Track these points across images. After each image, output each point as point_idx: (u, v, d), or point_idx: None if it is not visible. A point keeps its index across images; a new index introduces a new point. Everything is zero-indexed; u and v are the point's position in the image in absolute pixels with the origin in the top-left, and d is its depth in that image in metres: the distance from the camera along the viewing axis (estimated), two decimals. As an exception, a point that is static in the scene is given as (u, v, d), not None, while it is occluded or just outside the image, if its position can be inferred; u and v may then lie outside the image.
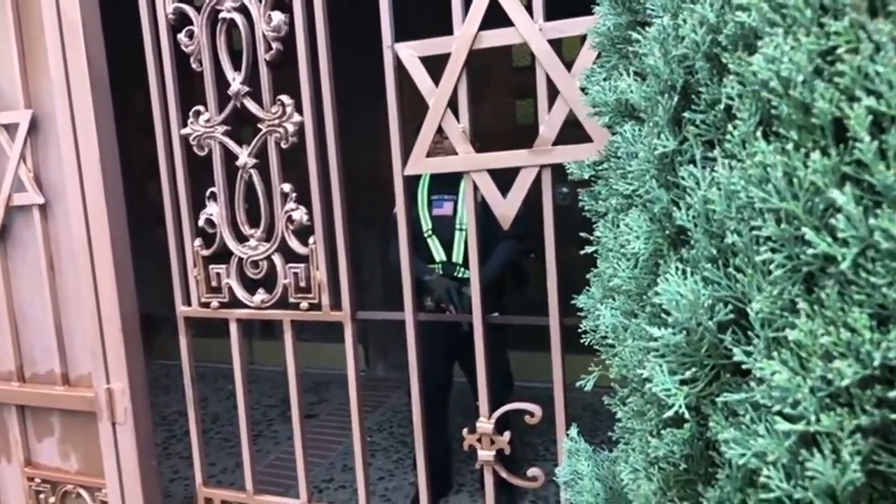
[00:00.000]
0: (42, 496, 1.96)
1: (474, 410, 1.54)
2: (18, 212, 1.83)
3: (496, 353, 2.05)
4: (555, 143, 1.36)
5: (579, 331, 0.89)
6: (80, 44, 1.65)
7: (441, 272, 2.78)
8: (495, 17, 1.36)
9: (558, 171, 1.34)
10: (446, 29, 1.39)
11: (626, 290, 0.62)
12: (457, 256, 2.77)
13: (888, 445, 0.41)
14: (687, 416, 0.50)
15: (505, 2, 1.35)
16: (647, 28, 0.60)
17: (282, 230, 1.58)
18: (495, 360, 1.67)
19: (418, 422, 1.57)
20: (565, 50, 1.39)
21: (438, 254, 2.80)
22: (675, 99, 0.55)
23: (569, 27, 1.33)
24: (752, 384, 0.44)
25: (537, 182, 1.39)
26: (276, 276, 1.62)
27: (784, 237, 0.42)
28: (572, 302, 0.96)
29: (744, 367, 0.45)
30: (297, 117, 1.53)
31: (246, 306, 1.67)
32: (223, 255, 1.68)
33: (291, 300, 1.61)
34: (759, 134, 0.45)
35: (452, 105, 1.43)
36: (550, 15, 1.34)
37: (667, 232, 0.57)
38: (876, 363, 0.39)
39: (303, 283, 1.59)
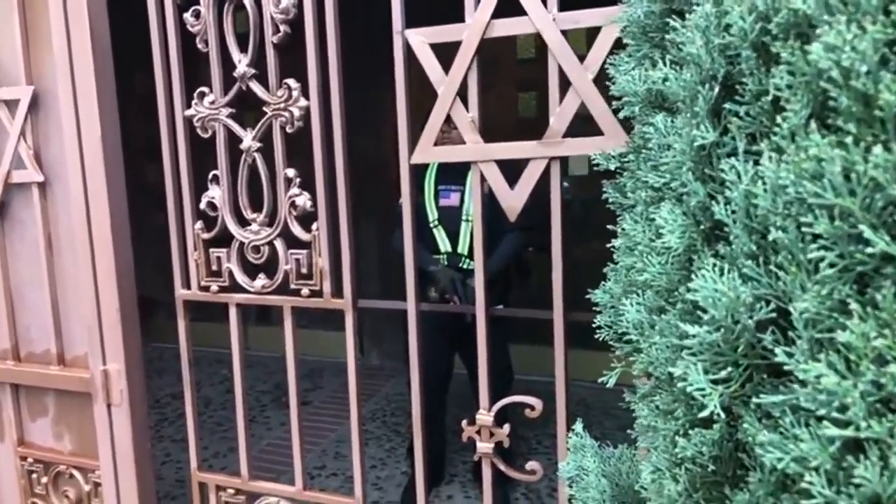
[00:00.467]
0: (35, 476, 1.94)
1: (473, 402, 1.53)
2: (18, 190, 1.81)
3: (498, 346, 2.04)
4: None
5: (581, 326, 0.88)
6: (83, 19, 1.61)
7: (446, 263, 2.76)
8: (506, 6, 1.34)
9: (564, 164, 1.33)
10: (456, 16, 1.37)
11: (655, 285, 0.60)
12: (462, 247, 2.76)
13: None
14: (718, 416, 0.48)
15: (518, -10, 1.33)
16: (683, 16, 0.58)
17: (285, 215, 1.56)
18: (497, 353, 1.65)
19: (417, 415, 1.55)
20: (570, 42, 1.36)
21: (444, 244, 2.78)
22: (717, 89, 0.53)
23: (584, 18, 1.30)
24: (794, 386, 0.43)
25: (545, 174, 1.37)
26: (277, 261, 1.60)
27: (837, 235, 0.40)
28: (585, 297, 0.94)
29: (785, 368, 0.44)
30: (303, 101, 1.50)
31: (246, 291, 1.64)
32: (224, 239, 1.66)
33: (292, 286, 1.59)
34: (813, 126, 0.43)
35: (461, 94, 1.41)
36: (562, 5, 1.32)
37: (702, 227, 0.55)
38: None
39: (304, 270, 1.57)
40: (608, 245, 0.88)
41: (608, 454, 1.03)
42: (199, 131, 1.61)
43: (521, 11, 1.33)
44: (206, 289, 1.69)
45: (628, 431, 0.83)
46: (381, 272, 4.55)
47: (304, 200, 1.55)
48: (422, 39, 1.42)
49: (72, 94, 1.66)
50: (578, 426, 1.09)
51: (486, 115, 1.43)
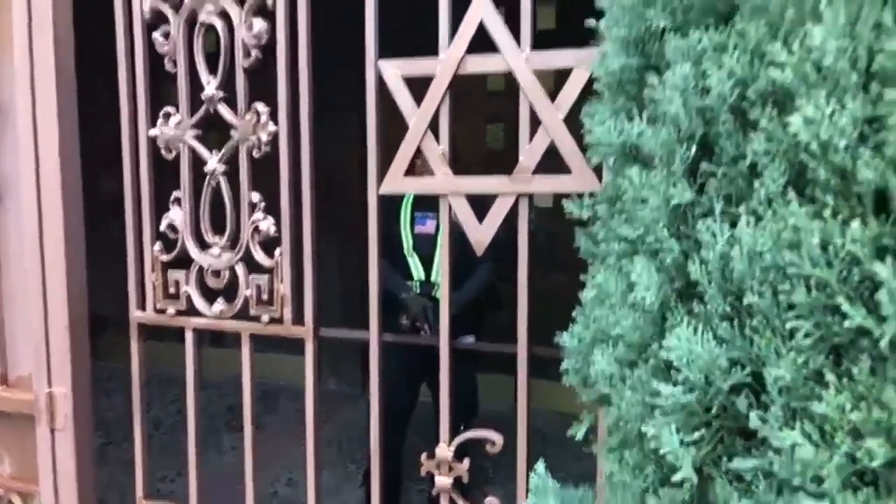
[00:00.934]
0: (-30, 503, 1.85)
1: (435, 432, 1.51)
2: (-33, 202, 1.74)
3: (466, 376, 2.02)
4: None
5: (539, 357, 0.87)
6: (48, 32, 1.58)
7: (418, 291, 2.75)
8: (479, 39, 1.35)
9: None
10: (429, 49, 1.37)
11: (627, 339, 0.60)
12: (436, 276, 2.75)
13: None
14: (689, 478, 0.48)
15: (493, 28, 1.34)
16: (659, 73, 0.59)
17: (247, 240, 1.53)
18: (464, 384, 1.64)
19: (375, 448, 1.52)
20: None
21: (417, 272, 2.77)
22: (693, 149, 0.54)
23: (555, 59, 1.32)
24: (768, 452, 0.43)
25: (513, 210, 1.38)
26: (237, 286, 1.56)
27: (814, 305, 0.41)
28: (544, 328, 0.94)
29: (759, 434, 0.44)
30: (271, 126, 1.49)
31: (204, 316, 1.61)
32: (183, 262, 1.62)
33: (252, 312, 1.56)
34: (790, 195, 0.44)
35: (432, 127, 1.41)
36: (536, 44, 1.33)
37: (676, 284, 0.55)
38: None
39: (265, 296, 1.54)
40: (571, 278, 0.88)
41: (570, 495, 1.02)
42: (163, 152, 1.57)
43: (494, 47, 1.34)
44: (163, 311, 1.64)
45: (585, 463, 0.82)
46: (339, 297, 4.50)
47: (267, 225, 1.52)
48: (395, 72, 1.42)
49: (31, 107, 1.61)
50: (540, 467, 1.08)
51: (454, 146, 1.43)
